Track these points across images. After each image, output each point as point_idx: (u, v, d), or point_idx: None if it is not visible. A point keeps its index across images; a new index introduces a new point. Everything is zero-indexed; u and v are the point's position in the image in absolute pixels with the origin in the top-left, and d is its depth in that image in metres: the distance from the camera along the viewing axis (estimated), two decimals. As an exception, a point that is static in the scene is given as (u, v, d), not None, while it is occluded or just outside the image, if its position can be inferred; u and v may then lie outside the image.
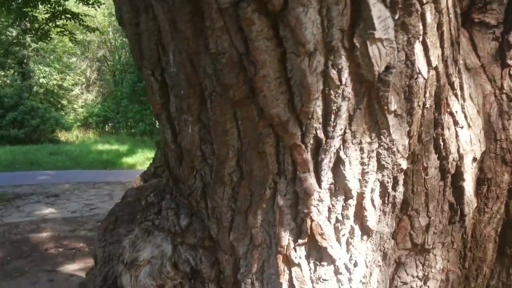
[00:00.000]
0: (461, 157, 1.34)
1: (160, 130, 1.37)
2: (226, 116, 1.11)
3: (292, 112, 1.03)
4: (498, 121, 1.46)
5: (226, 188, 1.22)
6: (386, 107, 1.03)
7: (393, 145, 1.08)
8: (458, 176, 1.37)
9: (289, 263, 1.19)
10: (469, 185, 1.39)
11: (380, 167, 1.11)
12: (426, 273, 1.45)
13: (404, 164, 1.13)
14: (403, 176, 1.17)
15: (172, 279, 1.39)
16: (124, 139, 18.53)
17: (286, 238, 1.17)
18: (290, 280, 1.19)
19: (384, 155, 1.09)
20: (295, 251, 1.17)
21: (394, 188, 1.16)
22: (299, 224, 1.16)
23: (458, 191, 1.39)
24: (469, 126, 1.37)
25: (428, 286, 1.46)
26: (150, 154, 13.43)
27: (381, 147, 1.09)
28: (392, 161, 1.11)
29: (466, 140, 1.35)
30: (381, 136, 1.07)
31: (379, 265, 1.24)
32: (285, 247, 1.17)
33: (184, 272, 1.42)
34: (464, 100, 1.34)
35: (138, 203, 2.26)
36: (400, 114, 1.07)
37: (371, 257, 1.20)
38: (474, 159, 1.39)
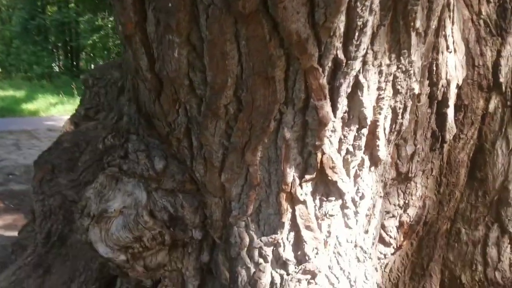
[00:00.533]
0: (448, 83, 1.32)
1: (129, 57, 1.13)
2: (226, 35, 0.92)
3: (312, 29, 0.88)
4: (476, 47, 1.45)
5: (219, 123, 1.06)
6: (412, 24, 0.93)
7: (411, 67, 1.00)
8: (443, 102, 1.36)
9: (292, 201, 1.09)
10: (451, 112, 1.39)
11: (395, 92, 1.03)
12: (406, 201, 1.46)
13: (417, 88, 1.06)
14: (411, 102, 1.10)
15: (150, 229, 1.23)
16: (19, 84, 16.55)
17: (291, 174, 1.06)
18: (293, 218, 1.11)
19: (400, 78, 1.01)
20: (301, 187, 1.07)
21: (402, 115, 1.10)
22: (305, 158, 1.05)
23: (441, 118, 1.39)
24: (455, 51, 1.33)
25: (408, 214, 1.48)
26: (53, 99, 12.22)
27: (399, 70, 1.00)
28: (407, 85, 1.03)
29: (452, 65, 1.32)
30: (401, 57, 0.98)
31: (381, 196, 1.20)
32: (290, 184, 1.07)
33: (162, 221, 1.26)
34: (453, 23, 1.29)
35: (76, 149, 1.99)
36: (421, 32, 0.97)
37: (375, 188, 1.16)
38: (457, 86, 1.38)
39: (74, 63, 23.08)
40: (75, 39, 20.97)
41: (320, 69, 0.92)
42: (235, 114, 1.04)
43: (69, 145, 1.93)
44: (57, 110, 10.58)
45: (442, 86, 1.31)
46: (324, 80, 0.94)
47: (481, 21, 1.47)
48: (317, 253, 1.10)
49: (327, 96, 0.95)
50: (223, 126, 1.07)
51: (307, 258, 1.10)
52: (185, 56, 0.99)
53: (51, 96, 12.85)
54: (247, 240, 1.17)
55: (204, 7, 0.91)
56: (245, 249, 1.17)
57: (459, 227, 1.60)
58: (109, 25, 15.30)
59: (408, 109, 1.11)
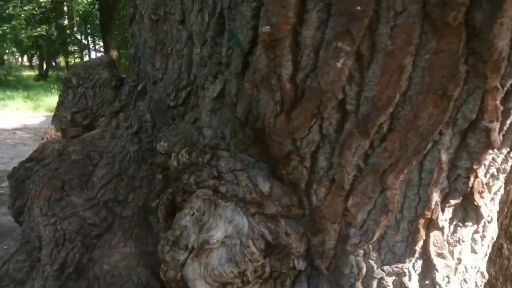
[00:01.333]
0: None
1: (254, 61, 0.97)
2: (409, 47, 0.84)
3: (510, 48, 0.84)
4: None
5: (364, 142, 0.96)
6: None
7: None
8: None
9: (428, 227, 1.03)
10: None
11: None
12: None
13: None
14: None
15: (254, 261, 1.06)
16: None
17: (435, 199, 0.99)
18: (425, 245, 1.04)
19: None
20: (443, 213, 1.01)
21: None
22: (451, 182, 1.00)
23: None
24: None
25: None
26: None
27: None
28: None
29: None
30: None
31: (495, 220, 1.19)
32: (432, 210, 1.00)
33: (260, 250, 1.10)
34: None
35: (89, 162, 1.72)
36: None
37: (496, 211, 1.14)
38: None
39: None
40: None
41: (501, 89, 0.88)
42: (385, 133, 0.95)
43: (79, 157, 1.63)
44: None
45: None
46: (499, 101, 0.90)
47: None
48: (448, 282, 1.05)
49: (499, 118, 0.91)
50: (366, 146, 0.97)
51: (437, 287, 1.04)
52: (348, 67, 0.88)
53: None
54: (364, 270, 1.07)
55: (394, 14, 0.81)
56: (361, 280, 1.07)
57: (501, 243, 1.67)
58: (22, 15, 13.55)
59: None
